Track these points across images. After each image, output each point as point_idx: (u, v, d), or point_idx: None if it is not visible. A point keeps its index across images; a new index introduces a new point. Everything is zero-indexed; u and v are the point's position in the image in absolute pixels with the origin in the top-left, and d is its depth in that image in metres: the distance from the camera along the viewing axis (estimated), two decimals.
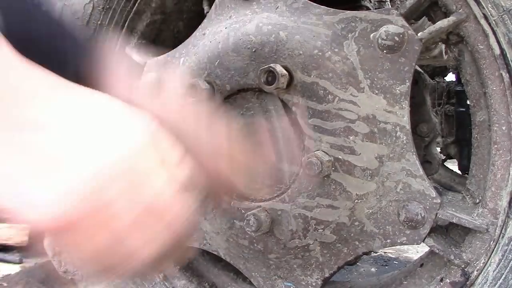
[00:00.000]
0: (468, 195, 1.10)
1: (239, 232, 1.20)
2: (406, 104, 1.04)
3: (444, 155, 2.42)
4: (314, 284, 1.19)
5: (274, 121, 1.13)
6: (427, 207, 1.04)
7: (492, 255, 1.02)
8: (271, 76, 1.05)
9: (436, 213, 1.03)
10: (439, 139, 2.19)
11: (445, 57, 2.25)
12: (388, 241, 1.08)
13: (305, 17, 1.11)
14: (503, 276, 1.00)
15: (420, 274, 1.16)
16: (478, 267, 1.04)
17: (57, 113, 0.47)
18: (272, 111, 1.14)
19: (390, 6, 1.68)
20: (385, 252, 2.75)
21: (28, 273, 2.04)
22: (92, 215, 0.45)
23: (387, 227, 1.08)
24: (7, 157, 0.44)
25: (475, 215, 1.04)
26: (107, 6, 1.40)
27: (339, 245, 1.13)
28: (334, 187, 1.07)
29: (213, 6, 1.26)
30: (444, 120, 2.32)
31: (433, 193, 1.03)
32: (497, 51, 0.97)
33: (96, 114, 0.49)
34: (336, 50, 1.07)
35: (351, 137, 1.05)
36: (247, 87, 1.15)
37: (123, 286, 1.50)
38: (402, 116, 1.04)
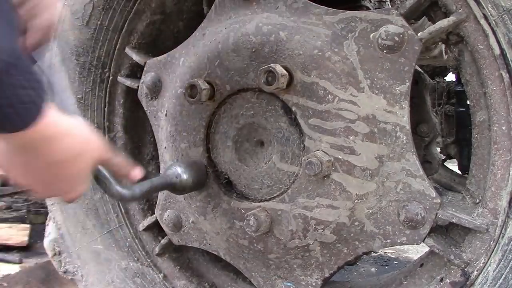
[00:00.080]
0: (468, 195, 1.10)
1: (239, 232, 1.20)
2: (406, 104, 1.04)
3: (444, 155, 2.42)
4: (314, 284, 1.19)
5: None
6: (427, 207, 1.04)
7: (492, 255, 1.02)
8: (271, 76, 1.05)
9: (436, 213, 1.03)
10: (439, 139, 2.20)
11: (445, 57, 2.25)
12: (388, 241, 1.08)
13: (305, 17, 1.11)
14: (503, 276, 1.00)
15: (420, 274, 1.16)
16: (478, 267, 1.04)
17: None
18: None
19: (390, 6, 1.68)
20: (385, 252, 2.75)
21: (28, 273, 2.04)
22: None
23: (387, 227, 1.08)
24: None
25: (475, 215, 1.04)
26: (107, 6, 1.40)
27: (339, 245, 1.13)
28: (334, 187, 1.07)
29: (213, 6, 1.26)
30: (444, 120, 2.32)
31: (433, 193, 1.03)
32: (497, 51, 0.97)
33: None
34: (336, 50, 1.07)
35: (351, 137, 1.05)
36: (247, 87, 1.15)
37: (123, 286, 1.50)
38: (402, 116, 1.04)
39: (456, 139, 2.27)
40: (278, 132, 1.14)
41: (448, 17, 1.02)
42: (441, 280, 1.10)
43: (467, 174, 1.28)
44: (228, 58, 1.15)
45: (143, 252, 1.51)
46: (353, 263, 1.27)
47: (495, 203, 1.02)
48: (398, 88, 1.03)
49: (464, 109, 2.20)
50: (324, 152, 1.07)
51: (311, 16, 1.11)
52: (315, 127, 1.07)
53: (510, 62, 0.96)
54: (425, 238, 1.05)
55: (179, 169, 1.14)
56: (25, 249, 2.33)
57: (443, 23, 1.01)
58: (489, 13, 0.97)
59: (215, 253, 1.35)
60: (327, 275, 1.17)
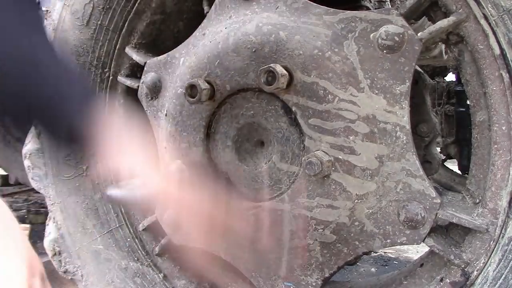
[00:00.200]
0: (468, 195, 1.10)
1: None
2: (406, 104, 1.04)
3: (444, 155, 2.42)
4: (314, 284, 1.19)
5: None
6: (427, 207, 1.04)
7: (492, 255, 1.02)
8: (271, 76, 1.05)
9: (436, 213, 1.03)
10: (439, 139, 2.20)
11: (445, 57, 2.25)
12: (388, 241, 1.08)
13: (305, 17, 1.11)
14: (503, 276, 1.00)
15: (420, 274, 1.16)
16: (478, 267, 1.04)
17: None
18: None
19: (390, 6, 1.68)
20: (385, 252, 2.75)
21: None
22: None
23: (387, 227, 1.08)
24: None
25: (475, 215, 1.04)
26: (107, 6, 1.40)
27: (339, 245, 1.13)
28: (334, 187, 1.07)
29: (213, 6, 1.26)
30: (444, 120, 2.32)
31: (433, 193, 1.03)
32: (497, 51, 0.97)
33: None
34: (336, 50, 1.07)
35: (351, 137, 1.05)
36: (247, 87, 1.15)
37: (123, 286, 1.50)
38: (402, 116, 1.04)
39: (456, 139, 2.27)
40: (278, 132, 1.14)
41: (448, 17, 1.02)
42: (441, 280, 1.10)
43: (467, 174, 1.28)
44: (228, 58, 1.15)
45: (143, 252, 1.51)
46: (353, 263, 1.27)
47: (495, 203, 1.02)
48: (398, 88, 1.03)
49: (464, 109, 2.20)
50: (324, 152, 1.07)
51: (311, 16, 1.11)
52: (315, 127, 1.07)
53: (510, 62, 0.96)
54: (425, 238, 1.05)
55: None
56: None
57: (443, 23, 1.01)
58: (489, 13, 0.97)
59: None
60: (327, 275, 1.17)
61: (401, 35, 1.01)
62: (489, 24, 0.97)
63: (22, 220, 2.76)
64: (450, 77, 2.79)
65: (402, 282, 1.20)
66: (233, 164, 1.21)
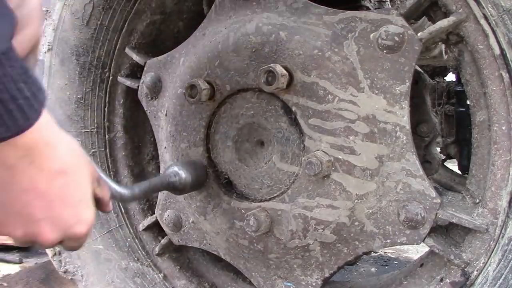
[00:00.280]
0: (468, 195, 1.10)
1: (239, 232, 1.20)
2: (406, 104, 1.04)
3: (444, 155, 2.42)
4: (314, 284, 1.19)
5: None
6: (427, 207, 1.04)
7: (492, 255, 1.02)
8: (271, 76, 1.05)
9: (436, 213, 1.03)
10: (439, 139, 2.19)
11: (445, 57, 2.25)
12: (388, 241, 1.08)
13: (305, 17, 1.11)
14: (503, 276, 1.00)
15: (420, 274, 1.16)
16: (478, 267, 1.04)
17: None
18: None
19: (390, 6, 1.68)
20: (385, 252, 2.75)
21: (28, 273, 2.04)
22: None
23: (387, 227, 1.08)
24: None
25: (475, 215, 1.04)
26: (107, 6, 1.40)
27: (339, 245, 1.13)
28: (334, 187, 1.07)
29: (213, 6, 1.26)
30: (444, 120, 2.32)
31: (433, 193, 1.03)
32: (497, 51, 0.97)
33: None
34: (336, 50, 1.07)
35: (351, 137, 1.05)
36: (247, 87, 1.15)
37: (123, 286, 1.50)
38: (402, 116, 1.04)
39: (456, 139, 2.27)
40: (278, 132, 1.14)
41: (448, 17, 1.02)
42: (441, 280, 1.10)
43: (467, 174, 1.28)
44: (228, 58, 1.15)
45: (143, 252, 1.51)
46: (353, 263, 1.27)
47: (495, 203, 1.02)
48: (398, 88, 1.03)
49: (464, 109, 2.19)
50: (324, 152, 1.07)
51: (311, 16, 1.11)
52: (315, 127, 1.07)
53: (510, 62, 0.96)
54: (425, 238, 1.05)
55: (178, 169, 1.14)
56: (25, 249, 2.33)
57: (443, 23, 1.01)
58: (489, 13, 0.97)
59: (215, 253, 1.35)
60: (327, 275, 1.17)
61: (401, 35, 1.01)
62: (489, 24, 0.97)
63: None
64: (450, 77, 2.79)
65: (402, 282, 1.20)
66: (233, 164, 1.21)
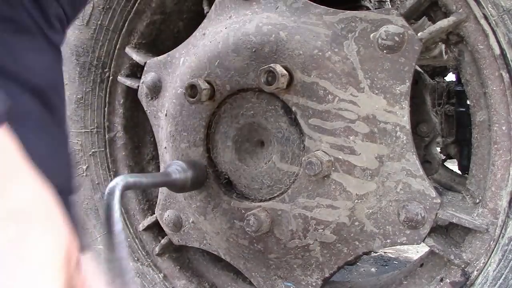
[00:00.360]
0: (468, 195, 1.10)
1: (239, 232, 1.20)
2: (406, 104, 1.04)
3: (444, 155, 2.42)
4: (314, 284, 1.19)
5: None
6: (427, 207, 1.04)
7: (492, 255, 1.02)
8: (271, 76, 1.05)
9: (436, 213, 1.03)
10: (439, 139, 2.19)
11: (445, 57, 2.25)
12: (388, 241, 1.08)
13: (305, 17, 1.11)
14: (503, 276, 1.00)
15: (420, 274, 1.16)
16: (478, 267, 1.04)
17: None
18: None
19: (390, 6, 1.68)
20: (385, 252, 2.75)
21: None
22: None
23: (387, 227, 1.08)
24: None
25: (475, 215, 1.04)
26: (107, 6, 1.40)
27: (339, 245, 1.13)
28: (334, 187, 1.07)
29: (213, 6, 1.26)
30: (444, 120, 2.32)
31: (433, 193, 1.03)
32: (497, 51, 0.97)
33: None
34: (336, 50, 1.07)
35: (351, 137, 1.05)
36: (247, 87, 1.15)
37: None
38: (402, 116, 1.04)
39: (456, 139, 2.27)
40: (278, 132, 1.14)
41: (448, 17, 1.02)
42: (441, 280, 1.10)
43: (467, 174, 1.28)
44: (228, 58, 1.15)
45: (143, 252, 1.51)
46: (353, 263, 1.27)
47: (495, 203, 1.02)
48: (398, 88, 1.03)
49: (464, 109, 2.19)
50: (324, 152, 1.07)
51: (311, 16, 1.11)
52: (315, 127, 1.07)
53: (510, 62, 0.96)
54: (425, 238, 1.05)
55: (178, 167, 1.14)
56: None
57: (443, 23, 1.01)
58: (489, 13, 0.97)
59: (215, 253, 1.35)
60: (327, 275, 1.17)
61: (401, 35, 1.01)
62: (489, 24, 0.97)
63: None
64: (450, 77, 2.79)
65: (402, 282, 1.20)
66: (233, 164, 1.21)
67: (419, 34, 1.01)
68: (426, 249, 1.16)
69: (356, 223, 1.09)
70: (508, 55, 0.96)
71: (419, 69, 1.39)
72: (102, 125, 1.51)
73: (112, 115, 1.52)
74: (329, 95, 1.06)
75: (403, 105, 1.04)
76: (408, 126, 1.04)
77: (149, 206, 1.53)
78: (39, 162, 0.46)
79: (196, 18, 1.40)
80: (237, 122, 1.19)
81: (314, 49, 1.07)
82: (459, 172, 2.47)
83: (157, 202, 1.43)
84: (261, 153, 1.19)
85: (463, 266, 1.05)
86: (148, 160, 1.59)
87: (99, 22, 1.42)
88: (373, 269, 2.52)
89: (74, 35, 1.43)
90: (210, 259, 1.53)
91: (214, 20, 1.25)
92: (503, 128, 1.00)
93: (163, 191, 1.40)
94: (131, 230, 1.52)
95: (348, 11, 1.08)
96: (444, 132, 2.30)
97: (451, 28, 1.02)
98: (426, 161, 1.40)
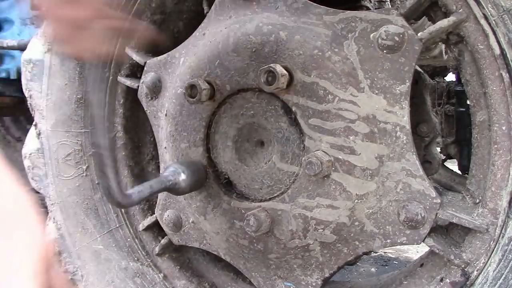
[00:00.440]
0: (468, 195, 1.10)
1: (239, 232, 1.20)
2: (406, 104, 1.04)
3: (444, 155, 2.42)
4: (314, 284, 1.19)
5: None
6: (427, 207, 1.04)
7: (492, 255, 1.02)
8: (271, 76, 1.05)
9: (436, 213, 1.03)
10: (439, 139, 2.19)
11: (445, 57, 2.25)
12: (388, 241, 1.08)
13: (305, 17, 1.11)
14: (503, 276, 1.00)
15: (420, 274, 1.16)
16: (478, 267, 1.04)
17: None
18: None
19: (390, 6, 1.68)
20: (385, 252, 2.75)
21: None
22: None
23: (387, 227, 1.08)
24: None
25: (475, 215, 1.04)
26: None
27: (339, 245, 1.13)
28: (334, 187, 1.07)
29: (213, 6, 1.26)
30: (444, 120, 2.32)
31: (433, 193, 1.03)
32: (497, 51, 0.97)
33: None
34: (336, 50, 1.07)
35: (351, 137, 1.05)
36: (247, 87, 1.15)
37: (123, 286, 1.50)
38: (402, 116, 1.04)
39: (456, 139, 2.27)
40: (278, 132, 1.14)
41: (448, 17, 1.02)
42: (441, 280, 1.10)
43: (467, 174, 1.28)
44: (228, 58, 1.15)
45: (143, 252, 1.51)
46: (353, 263, 1.27)
47: (495, 203, 1.02)
48: (398, 88, 1.03)
49: (464, 109, 2.19)
50: (324, 152, 1.07)
51: (311, 16, 1.11)
52: (315, 127, 1.07)
53: (510, 62, 0.96)
54: (425, 238, 1.05)
55: (177, 170, 1.14)
56: None
57: (443, 23, 1.01)
58: (489, 13, 0.97)
59: (215, 253, 1.35)
60: (327, 275, 1.17)
61: (401, 35, 1.01)
62: (489, 24, 0.97)
63: None
64: (450, 77, 2.79)
65: (402, 282, 1.20)
66: (233, 164, 1.21)
67: (419, 34, 1.01)
68: (426, 249, 1.16)
69: (356, 223, 1.09)
70: (508, 55, 0.96)
71: (419, 69, 1.39)
72: None
73: (112, 115, 1.52)
74: (329, 95, 1.06)
75: (403, 105, 1.04)
76: (408, 126, 1.04)
77: (149, 206, 1.53)
78: None
79: (196, 18, 1.40)
80: (237, 122, 1.19)
81: (314, 49, 1.07)
82: (459, 172, 2.47)
83: (157, 202, 1.43)
84: (261, 153, 1.19)
85: (463, 266, 1.05)
86: (148, 160, 1.59)
87: None
88: (373, 269, 2.52)
89: None
90: (210, 259, 1.53)
91: (214, 20, 1.25)
92: (503, 128, 1.00)
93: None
94: (131, 230, 1.52)
95: (348, 11, 1.08)
96: (444, 132, 2.30)
97: (451, 28, 1.02)
98: (426, 161, 1.40)
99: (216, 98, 1.19)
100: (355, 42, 1.06)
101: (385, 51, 1.03)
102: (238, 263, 1.30)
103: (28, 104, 1.53)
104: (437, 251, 1.06)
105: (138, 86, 1.42)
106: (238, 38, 1.14)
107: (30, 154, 1.50)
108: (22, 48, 2.18)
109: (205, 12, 1.34)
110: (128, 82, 1.46)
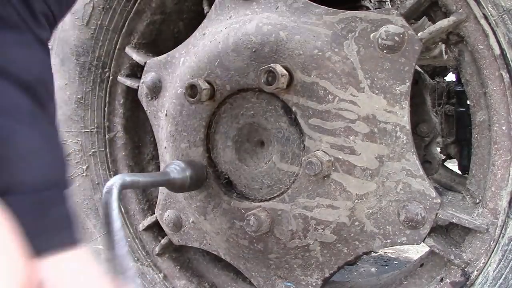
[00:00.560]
0: (468, 195, 1.10)
1: (239, 232, 1.20)
2: (406, 104, 1.04)
3: (444, 155, 2.42)
4: (314, 284, 1.19)
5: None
6: (427, 207, 1.04)
7: (492, 255, 1.02)
8: (271, 76, 1.05)
9: (436, 213, 1.03)
10: (439, 139, 2.19)
11: (445, 57, 2.25)
12: (388, 241, 1.08)
13: (305, 17, 1.11)
14: (503, 276, 1.00)
15: (420, 274, 1.16)
16: (478, 267, 1.04)
17: None
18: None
19: (390, 6, 1.68)
20: (385, 252, 2.75)
21: None
22: None
23: (387, 227, 1.08)
24: None
25: (475, 215, 1.04)
26: (107, 6, 1.40)
27: (339, 245, 1.13)
28: (334, 187, 1.07)
29: (213, 6, 1.26)
30: (444, 120, 2.32)
31: (433, 193, 1.03)
32: (497, 51, 0.97)
33: None
34: (336, 50, 1.07)
35: (351, 137, 1.05)
36: (247, 87, 1.15)
37: None
38: (402, 116, 1.04)
39: (456, 139, 2.27)
40: (278, 132, 1.14)
41: (448, 17, 1.02)
42: (441, 280, 1.10)
43: (467, 174, 1.28)
44: (228, 58, 1.15)
45: (143, 252, 1.51)
46: (353, 263, 1.27)
47: (495, 203, 1.02)
48: (398, 88, 1.03)
49: (464, 109, 2.19)
50: (324, 152, 1.07)
51: (311, 16, 1.11)
52: (315, 127, 1.07)
53: (510, 62, 0.96)
54: (425, 238, 1.05)
55: (177, 167, 1.14)
56: None
57: (443, 23, 1.01)
58: (489, 13, 0.97)
59: (215, 253, 1.35)
60: (327, 275, 1.17)
61: (401, 35, 1.01)
62: (489, 24, 0.97)
63: None
64: (450, 77, 2.79)
65: (402, 282, 1.20)
66: (233, 164, 1.21)
67: (419, 34, 1.01)
68: (426, 249, 1.16)
69: (356, 223, 1.09)
70: (508, 55, 0.96)
71: (419, 69, 1.40)
72: (102, 125, 1.51)
73: (112, 115, 1.52)
74: (329, 95, 1.06)
75: (403, 105, 1.04)
76: (408, 126, 1.04)
77: (149, 206, 1.53)
78: (34, 155, 0.52)
79: (196, 18, 1.40)
80: (237, 122, 1.19)
81: (314, 49, 1.07)
82: (459, 172, 2.47)
83: (157, 202, 1.43)
84: (261, 153, 1.19)
85: (463, 266, 1.05)
86: (148, 160, 1.59)
87: (99, 22, 1.42)
88: (373, 269, 2.52)
89: (74, 35, 1.43)
90: (210, 259, 1.53)
91: (214, 20, 1.25)
92: (503, 128, 1.00)
93: (163, 191, 1.40)
94: (131, 230, 1.52)
95: (348, 11, 1.08)
96: (444, 132, 2.30)
97: (451, 28, 1.02)
98: (426, 161, 1.40)
99: (216, 98, 1.19)
100: (355, 42, 1.06)
101: (385, 51, 1.03)
102: (238, 263, 1.30)
103: None
104: (437, 251, 1.06)
105: (138, 86, 1.43)
106: (238, 38, 1.14)
107: None
108: None
109: (205, 12, 1.34)
110: (128, 82, 1.46)
